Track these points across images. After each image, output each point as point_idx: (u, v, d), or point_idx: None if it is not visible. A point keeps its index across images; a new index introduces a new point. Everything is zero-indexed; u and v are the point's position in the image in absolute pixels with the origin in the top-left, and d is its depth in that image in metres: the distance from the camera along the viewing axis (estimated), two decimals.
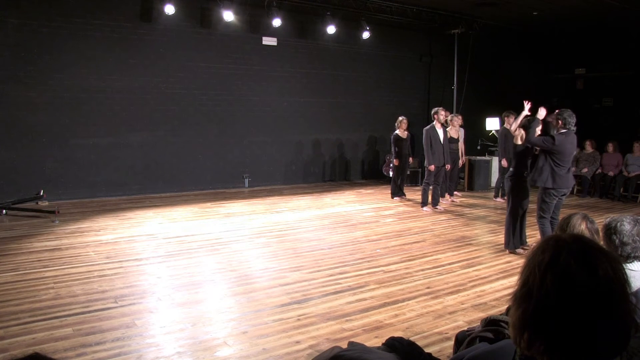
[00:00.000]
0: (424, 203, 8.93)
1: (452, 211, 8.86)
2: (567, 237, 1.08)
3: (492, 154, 11.72)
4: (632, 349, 1.08)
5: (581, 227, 2.82)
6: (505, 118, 9.90)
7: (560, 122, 5.80)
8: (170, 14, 9.20)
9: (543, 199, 5.89)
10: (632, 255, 2.60)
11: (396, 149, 9.82)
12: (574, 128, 5.81)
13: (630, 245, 2.60)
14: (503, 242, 6.38)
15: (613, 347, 1.00)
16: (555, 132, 5.88)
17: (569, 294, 0.99)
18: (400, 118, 9.88)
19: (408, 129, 10.05)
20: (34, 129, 8.67)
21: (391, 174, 10.21)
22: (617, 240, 2.62)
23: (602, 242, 2.66)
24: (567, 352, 0.99)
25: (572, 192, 7.32)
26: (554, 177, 5.72)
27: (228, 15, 9.56)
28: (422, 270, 5.42)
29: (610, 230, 2.65)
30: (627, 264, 2.56)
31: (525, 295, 1.04)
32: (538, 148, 5.86)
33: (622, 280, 1.01)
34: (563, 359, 1.00)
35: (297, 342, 3.65)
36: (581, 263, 1.01)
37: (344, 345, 2.84)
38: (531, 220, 7.66)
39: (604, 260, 1.02)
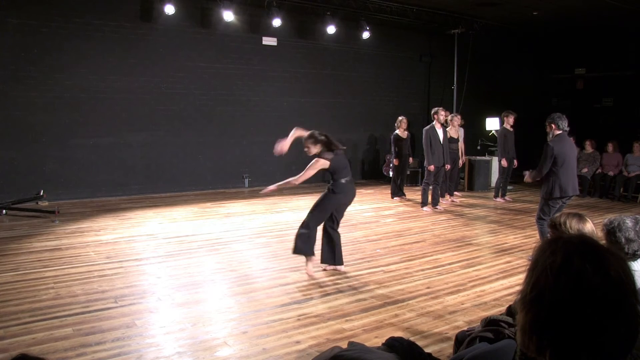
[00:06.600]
0: (423, 203, 8.92)
1: (452, 211, 8.86)
2: (574, 238, 1.07)
3: (492, 154, 11.72)
4: (636, 351, 1.07)
5: (588, 227, 2.77)
6: (505, 118, 9.91)
7: (553, 125, 5.81)
8: (170, 14, 9.19)
9: (547, 202, 5.86)
10: (638, 252, 2.60)
11: (396, 149, 9.82)
12: (567, 129, 5.83)
13: (636, 242, 2.59)
14: (503, 242, 6.37)
15: (621, 349, 0.99)
16: (550, 136, 5.89)
17: (584, 296, 0.97)
18: (400, 118, 9.88)
19: (408, 128, 10.05)
20: (34, 129, 8.67)
21: (391, 174, 10.21)
22: (622, 238, 2.60)
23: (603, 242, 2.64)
24: (574, 354, 0.98)
25: None
26: (560, 185, 5.70)
27: (228, 15, 9.56)
28: (422, 270, 5.42)
29: (615, 229, 2.64)
30: (630, 263, 2.55)
31: (536, 299, 1.02)
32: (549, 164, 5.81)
33: (632, 280, 1.01)
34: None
35: (297, 342, 3.65)
36: (594, 265, 0.99)
37: (344, 345, 2.84)
38: (530, 220, 7.67)
39: (614, 260, 1.01)
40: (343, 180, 5.14)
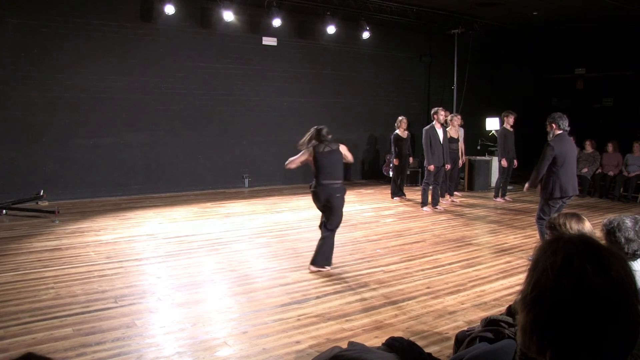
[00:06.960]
0: (423, 203, 8.92)
1: (452, 211, 8.86)
2: (575, 238, 1.07)
3: (492, 154, 11.72)
4: (636, 351, 1.07)
5: (586, 227, 2.77)
6: (505, 118, 9.91)
7: (554, 125, 5.81)
8: (170, 14, 9.19)
9: (547, 202, 5.86)
10: (638, 252, 2.60)
11: (396, 149, 9.82)
12: (567, 128, 5.83)
13: (636, 242, 2.59)
14: (503, 242, 6.37)
15: (622, 349, 0.99)
16: (551, 136, 5.89)
17: (585, 296, 0.97)
18: (400, 118, 9.88)
19: (408, 128, 10.05)
20: (34, 129, 8.67)
21: (391, 174, 10.22)
22: (622, 238, 2.60)
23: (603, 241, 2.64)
24: (575, 354, 0.98)
25: None
26: (560, 185, 5.70)
27: (228, 15, 9.56)
28: (422, 270, 5.42)
29: (614, 229, 2.64)
30: (630, 263, 2.56)
31: (536, 299, 1.02)
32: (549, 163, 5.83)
33: (633, 280, 1.01)
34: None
35: (297, 342, 3.65)
36: (594, 265, 0.99)
37: (344, 345, 2.84)
38: (530, 220, 7.67)
39: (614, 261, 1.01)
40: (323, 182, 5.17)
